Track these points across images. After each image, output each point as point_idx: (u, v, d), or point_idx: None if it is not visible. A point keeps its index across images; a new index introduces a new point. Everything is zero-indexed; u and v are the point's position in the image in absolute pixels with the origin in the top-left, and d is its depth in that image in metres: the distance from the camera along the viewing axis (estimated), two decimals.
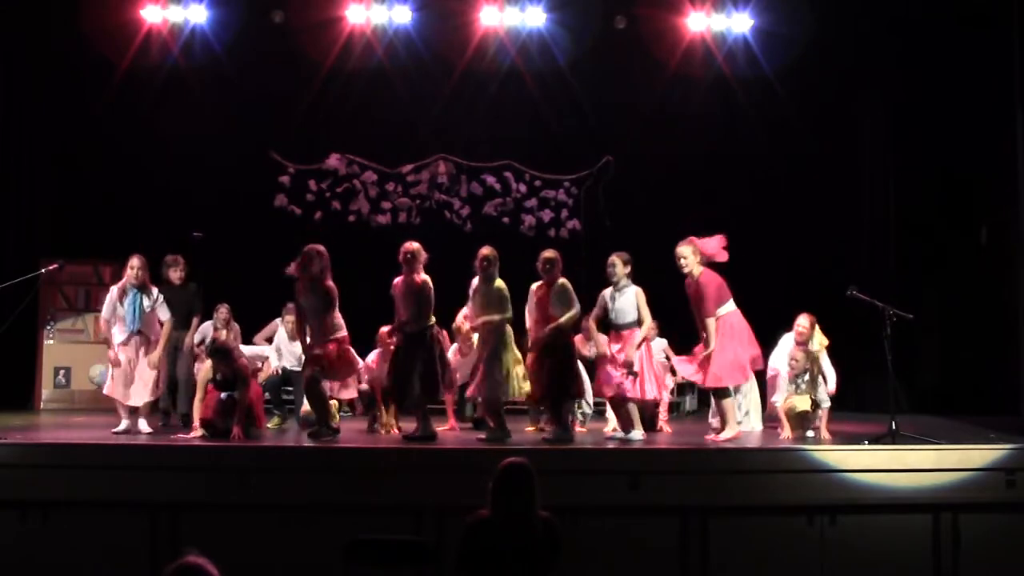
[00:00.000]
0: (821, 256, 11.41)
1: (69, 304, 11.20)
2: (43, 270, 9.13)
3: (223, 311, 9.79)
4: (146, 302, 8.49)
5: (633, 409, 8.45)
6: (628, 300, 8.42)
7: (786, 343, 8.96)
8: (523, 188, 12.22)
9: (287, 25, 11.53)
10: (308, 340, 8.33)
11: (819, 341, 8.84)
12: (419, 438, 8.19)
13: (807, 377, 8.59)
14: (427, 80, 11.80)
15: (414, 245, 8.38)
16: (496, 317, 8.34)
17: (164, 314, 8.62)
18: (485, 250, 8.44)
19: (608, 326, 8.56)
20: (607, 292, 8.55)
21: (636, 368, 8.29)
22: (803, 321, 8.83)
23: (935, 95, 11.16)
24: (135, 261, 8.51)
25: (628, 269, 8.49)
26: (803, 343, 8.76)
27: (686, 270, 8.45)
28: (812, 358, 8.65)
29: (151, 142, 11.36)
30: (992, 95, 10.54)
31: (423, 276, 8.32)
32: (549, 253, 8.49)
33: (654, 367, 8.56)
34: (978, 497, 7.42)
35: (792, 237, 11.56)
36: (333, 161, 12.11)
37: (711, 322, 8.35)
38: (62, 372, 11.09)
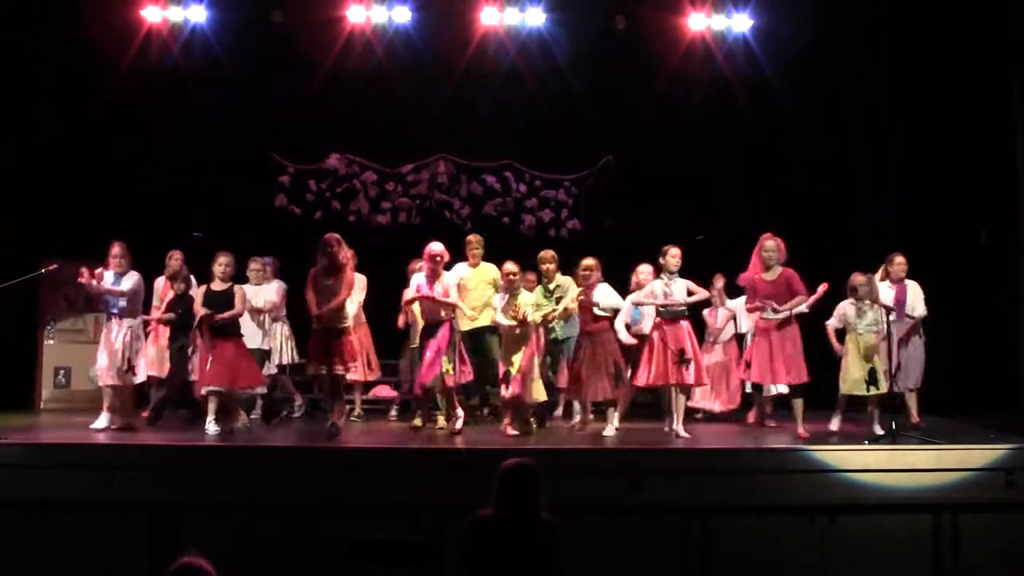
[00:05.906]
0: (820, 255, 11.38)
1: (69, 304, 11.16)
2: (43, 270, 9.13)
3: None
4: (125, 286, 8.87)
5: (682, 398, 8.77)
6: (681, 289, 8.73)
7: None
8: (523, 188, 12.20)
9: (287, 25, 11.51)
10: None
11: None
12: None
13: (868, 303, 8.71)
14: (427, 80, 11.78)
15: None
16: None
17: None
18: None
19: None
20: (657, 283, 8.82)
21: (689, 355, 8.54)
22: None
23: (934, 95, 11.15)
24: (115, 249, 9.01)
25: None
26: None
27: (772, 264, 8.68)
28: (873, 283, 8.88)
29: (151, 142, 11.33)
30: (991, 94, 10.53)
31: None
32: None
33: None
34: (978, 497, 7.43)
35: (791, 236, 11.52)
36: (333, 161, 12.09)
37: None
38: (62, 372, 11.06)
